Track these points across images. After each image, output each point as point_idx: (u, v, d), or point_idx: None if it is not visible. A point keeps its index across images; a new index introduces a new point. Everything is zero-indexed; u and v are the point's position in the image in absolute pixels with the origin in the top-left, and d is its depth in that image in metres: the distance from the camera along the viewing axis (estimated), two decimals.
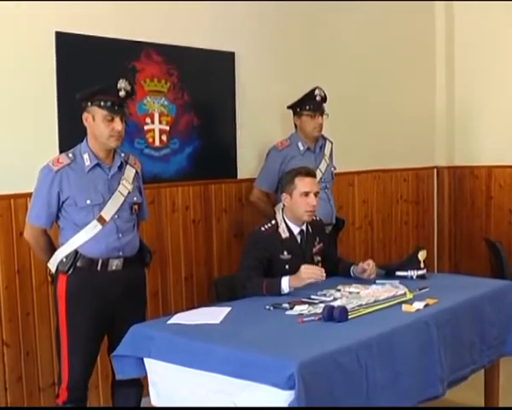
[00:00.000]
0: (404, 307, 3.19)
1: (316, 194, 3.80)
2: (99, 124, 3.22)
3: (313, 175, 3.87)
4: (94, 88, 3.23)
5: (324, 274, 3.49)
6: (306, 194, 3.75)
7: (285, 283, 3.50)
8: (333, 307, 2.99)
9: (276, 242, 3.73)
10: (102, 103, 3.20)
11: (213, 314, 3.13)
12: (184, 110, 4.51)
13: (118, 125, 3.22)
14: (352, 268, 3.89)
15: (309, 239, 3.88)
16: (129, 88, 3.25)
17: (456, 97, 6.64)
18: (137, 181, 3.46)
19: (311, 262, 3.77)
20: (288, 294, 3.46)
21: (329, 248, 4.12)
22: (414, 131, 6.39)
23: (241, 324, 3.00)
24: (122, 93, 3.22)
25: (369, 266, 3.79)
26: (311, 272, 3.49)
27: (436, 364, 3.08)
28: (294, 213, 3.79)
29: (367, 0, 5.79)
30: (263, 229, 3.76)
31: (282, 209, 3.86)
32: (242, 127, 4.84)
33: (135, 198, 3.41)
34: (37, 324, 3.83)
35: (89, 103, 3.24)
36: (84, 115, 3.27)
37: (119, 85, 3.22)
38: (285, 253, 3.74)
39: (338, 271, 3.96)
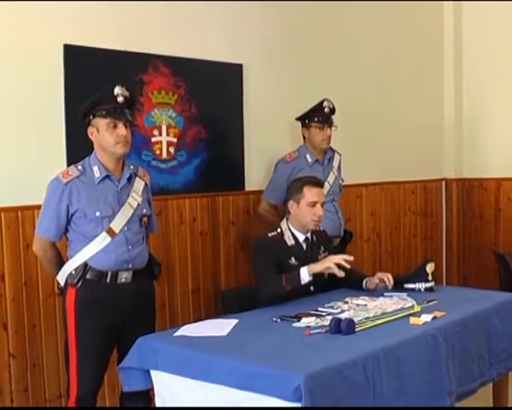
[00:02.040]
0: (412, 320, 3.19)
1: (322, 204, 3.82)
2: (103, 134, 3.24)
3: (321, 185, 3.90)
4: (91, 100, 3.26)
5: (349, 262, 3.58)
6: (314, 204, 3.78)
7: (304, 272, 3.57)
8: (340, 320, 2.99)
9: (283, 248, 3.77)
10: (104, 112, 3.22)
11: (220, 326, 3.13)
12: (192, 122, 4.53)
13: (122, 130, 3.23)
14: (364, 281, 3.88)
15: (314, 247, 3.91)
16: (127, 94, 3.27)
17: (464, 108, 6.64)
18: (147, 193, 3.48)
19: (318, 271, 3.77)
20: (295, 306, 3.46)
21: None
22: (422, 142, 6.39)
23: (247, 336, 3.01)
24: (120, 99, 3.24)
25: (385, 276, 3.81)
26: (338, 257, 3.57)
27: (444, 377, 3.08)
28: (300, 221, 3.81)
29: (374, 11, 5.82)
30: (270, 235, 3.80)
31: (287, 218, 3.89)
32: (250, 139, 4.85)
33: (144, 210, 3.42)
34: (44, 335, 3.84)
35: (91, 117, 3.27)
36: (89, 130, 3.30)
37: (115, 92, 3.24)
38: (293, 259, 3.77)
39: (349, 282, 3.92)
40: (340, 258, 3.59)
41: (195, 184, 4.56)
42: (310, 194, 3.78)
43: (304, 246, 3.85)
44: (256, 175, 4.89)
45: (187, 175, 4.52)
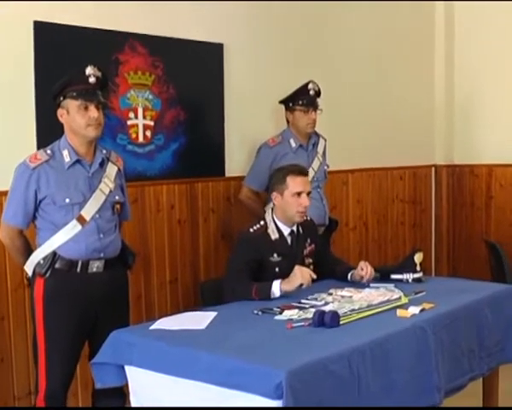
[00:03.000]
0: (399, 312, 3.17)
1: (308, 194, 3.79)
2: (74, 116, 3.21)
3: (305, 174, 3.86)
4: (62, 80, 3.22)
5: (310, 281, 3.50)
6: (298, 194, 3.74)
7: (276, 286, 3.50)
8: (324, 312, 2.98)
9: (265, 243, 3.73)
10: (74, 94, 3.19)
11: (198, 319, 3.11)
12: (170, 104, 4.49)
13: (93, 112, 3.20)
14: (350, 274, 3.87)
15: (300, 240, 3.87)
16: (99, 74, 3.24)
17: (455, 93, 6.65)
18: (120, 179, 3.44)
19: (302, 265, 3.74)
20: (278, 298, 3.45)
21: (323, 249, 4.11)
22: (411, 127, 6.39)
23: (227, 329, 2.99)
24: (92, 79, 3.21)
25: (363, 270, 3.78)
26: (306, 275, 3.50)
27: (432, 372, 3.06)
28: (285, 213, 3.78)
29: None
30: (251, 230, 3.76)
31: (272, 209, 3.85)
32: (231, 123, 4.82)
33: (117, 197, 3.39)
34: (13, 329, 3.80)
35: (61, 98, 3.23)
36: (59, 112, 3.26)
37: (87, 72, 3.21)
38: (275, 255, 3.74)
39: (335, 274, 3.95)
40: (306, 272, 3.53)
41: (173, 170, 4.53)
42: (294, 184, 3.75)
43: (288, 240, 3.82)
44: (237, 160, 4.87)
45: (164, 160, 4.49)
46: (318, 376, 2.54)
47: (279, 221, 3.80)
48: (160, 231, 4.47)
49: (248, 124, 4.93)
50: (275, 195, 3.81)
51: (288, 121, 4.70)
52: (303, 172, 3.84)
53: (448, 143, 6.71)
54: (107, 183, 3.33)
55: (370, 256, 5.90)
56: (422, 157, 6.59)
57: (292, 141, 4.63)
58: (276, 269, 3.71)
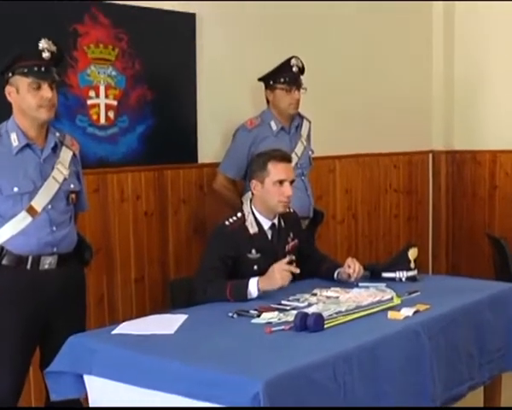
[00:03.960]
0: (391, 315, 3.20)
1: (291, 182, 3.80)
2: (25, 95, 3.19)
3: (289, 160, 3.88)
4: (11, 54, 3.20)
5: (290, 277, 3.53)
6: (281, 182, 3.75)
7: (253, 285, 3.51)
8: (307, 315, 2.99)
9: (242, 238, 3.74)
10: (25, 70, 3.17)
11: (167, 323, 3.12)
12: (135, 82, 4.48)
13: (46, 92, 3.19)
14: (336, 272, 3.90)
15: (281, 235, 3.88)
16: (54, 49, 3.23)
17: (455, 71, 6.67)
18: (75, 165, 3.44)
19: None
20: (256, 298, 3.47)
21: (307, 245, 4.13)
22: (406, 109, 6.41)
23: (198, 334, 3.00)
24: (46, 54, 3.20)
25: (350, 268, 3.80)
26: (285, 273, 3.51)
27: (427, 380, 3.10)
28: (266, 203, 3.79)
29: None
30: (227, 223, 3.76)
31: (251, 199, 3.86)
32: (205, 103, 4.81)
33: (72, 185, 3.39)
34: None
35: (10, 74, 3.21)
36: (7, 89, 3.25)
37: (40, 46, 3.19)
38: (253, 251, 3.75)
39: (320, 272, 3.98)
40: (286, 274, 3.54)
41: (140, 156, 4.52)
42: (276, 171, 3.76)
43: (269, 235, 3.83)
44: (211, 145, 4.86)
45: (129, 144, 4.48)
46: (300, 386, 2.55)
47: (258, 213, 3.81)
48: (125, 224, 4.46)
49: (224, 104, 4.92)
50: (254, 183, 3.81)
51: (268, 101, 4.69)
52: (286, 157, 3.85)
53: (447, 127, 6.74)
54: (61, 169, 3.32)
55: (360, 253, 5.92)
56: (419, 142, 6.62)
57: (272, 123, 4.64)
58: (255, 267, 3.72)
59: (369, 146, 6.07)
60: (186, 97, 4.75)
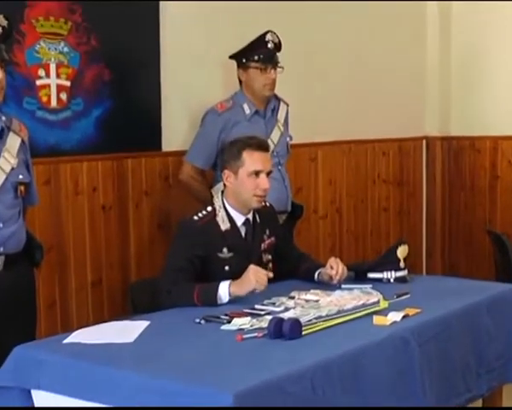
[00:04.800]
0: (377, 320, 3.21)
1: (268, 173, 3.80)
2: None
3: (266, 149, 3.88)
4: None
5: (267, 284, 3.53)
6: (257, 174, 3.75)
7: (224, 289, 3.52)
8: (282, 320, 2.99)
9: (212, 235, 3.74)
10: None
11: (126, 331, 3.12)
12: (91, 60, 4.47)
13: None
14: (317, 273, 3.92)
15: (256, 232, 3.90)
16: (5, 23, 3.23)
17: (452, 47, 6.72)
18: (24, 154, 3.44)
19: (259, 262, 3.79)
20: (226, 303, 3.48)
21: (284, 243, 4.15)
22: (398, 90, 6.44)
23: (161, 343, 3.00)
24: None
25: (333, 269, 3.82)
26: (262, 277, 3.52)
27: (418, 392, 3.11)
28: (239, 197, 3.79)
29: None
30: (195, 218, 3.76)
31: (222, 192, 3.87)
32: (170, 83, 4.81)
33: (20, 176, 3.39)
34: None
35: None
36: None
37: None
38: (225, 250, 3.76)
39: (299, 273, 4.00)
40: (262, 274, 3.55)
41: (96, 143, 4.52)
42: (251, 161, 3.75)
43: (242, 231, 3.84)
44: (177, 131, 4.88)
45: (85, 130, 4.48)
46: (274, 399, 2.56)
47: (231, 207, 3.81)
48: (80, 219, 4.46)
49: (191, 85, 4.91)
50: (227, 174, 3.81)
51: (240, 81, 4.70)
52: (263, 146, 3.85)
53: (443, 110, 6.78)
54: (8, 158, 3.32)
55: (345, 251, 5.95)
56: (411, 127, 6.66)
57: (245, 106, 4.65)
58: (226, 268, 3.74)
59: (356, 132, 6.10)
60: (149, 77, 4.75)
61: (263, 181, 3.76)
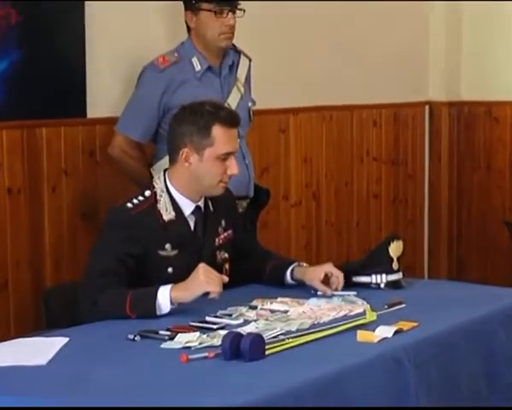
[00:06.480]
0: (362, 336, 3.22)
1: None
2: None
3: (238, 123, 3.87)
4: None
5: (221, 288, 3.53)
6: (226, 156, 3.76)
7: (164, 295, 3.52)
8: (240, 337, 3.00)
9: (151, 228, 3.75)
10: None
11: (39, 349, 3.12)
12: None
13: None
14: (289, 271, 3.94)
15: (209, 223, 3.92)
16: None
17: None
18: None
19: (213, 262, 3.81)
20: (168, 314, 3.49)
21: (245, 237, 4.20)
22: (394, 43, 6.50)
23: (83, 365, 3.00)
24: None
25: (333, 274, 3.85)
26: (214, 279, 3.53)
27: None
28: (199, 183, 3.80)
29: None
30: (130, 206, 3.76)
31: (165, 172, 3.87)
32: (97, 30, 4.82)
33: None
34: None
35: None
36: None
37: None
38: (167, 246, 3.77)
39: (263, 275, 4.02)
40: (216, 276, 3.57)
41: (0, 106, 4.52)
42: (224, 140, 3.74)
43: (191, 223, 3.86)
44: (106, 92, 4.90)
45: None
46: None
47: (177, 192, 3.82)
48: None
49: (125, 32, 4.93)
50: (186, 152, 3.76)
51: (189, 29, 4.72)
52: (235, 120, 3.85)
53: (451, 70, 6.82)
54: None
55: (324, 249, 6.00)
56: (410, 90, 6.72)
57: (195, 60, 4.67)
58: (169, 269, 3.76)
59: (338, 95, 6.13)
60: (69, 23, 4.75)
61: (233, 165, 3.77)
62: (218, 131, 3.73)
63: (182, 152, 3.78)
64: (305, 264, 4.01)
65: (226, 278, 3.62)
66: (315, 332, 3.24)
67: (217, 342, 3.08)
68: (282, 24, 5.69)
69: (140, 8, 4.98)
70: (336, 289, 3.82)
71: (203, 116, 3.77)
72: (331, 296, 3.74)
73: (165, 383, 2.84)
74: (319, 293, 3.79)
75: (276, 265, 4.02)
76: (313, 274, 3.88)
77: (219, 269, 3.77)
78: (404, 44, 6.58)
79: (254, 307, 3.57)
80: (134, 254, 3.69)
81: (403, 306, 3.63)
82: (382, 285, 3.93)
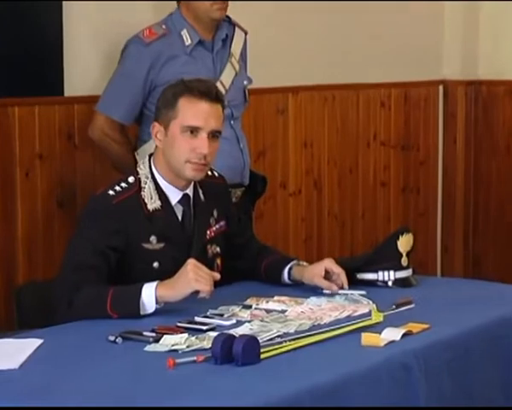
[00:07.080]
0: (367, 339, 3.23)
1: (214, 134, 3.80)
2: None
3: (215, 98, 3.84)
4: None
5: (212, 287, 3.53)
6: (193, 131, 3.75)
7: (149, 293, 3.52)
8: (233, 339, 3.01)
9: (135, 218, 3.77)
10: None
11: (10, 352, 3.13)
12: None
13: None
14: (286, 270, 3.95)
15: (199, 213, 3.94)
16: None
17: None
18: None
19: (203, 256, 3.83)
20: (153, 314, 3.49)
21: (239, 229, 4.20)
22: (404, 15, 6.51)
23: (58, 370, 3.00)
24: None
25: (334, 272, 3.86)
26: (204, 276, 3.52)
27: None
28: (169, 162, 3.80)
29: None
30: (111, 193, 3.77)
31: (151, 157, 3.88)
32: (76, 2, 4.82)
33: None
34: None
35: None
36: None
37: None
38: (152, 239, 3.78)
39: (259, 272, 4.05)
40: (206, 273, 3.57)
41: None
42: (189, 111, 3.75)
43: (178, 213, 3.87)
44: (86, 69, 4.91)
45: None
46: None
47: (162, 179, 3.83)
48: None
49: (107, 5, 4.93)
50: (157, 127, 3.81)
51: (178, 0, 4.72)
52: (210, 93, 3.82)
53: (467, 46, 6.82)
54: None
55: (326, 243, 6.03)
56: (422, 67, 6.72)
57: (185, 34, 4.67)
58: (155, 264, 3.78)
59: (343, 73, 6.15)
60: None
61: (201, 142, 3.74)
62: (184, 102, 3.76)
63: (153, 129, 3.83)
64: (305, 263, 4.02)
65: (218, 275, 3.61)
66: (315, 335, 3.24)
67: (206, 344, 3.09)
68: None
69: None
70: (342, 288, 3.83)
71: (172, 89, 3.83)
72: (333, 295, 3.75)
73: (149, 390, 2.84)
74: (325, 291, 3.80)
75: (272, 263, 4.04)
76: (312, 272, 3.89)
77: (210, 265, 3.79)
78: (415, 16, 6.58)
79: (248, 307, 3.59)
80: (115, 246, 3.70)
81: (412, 306, 3.65)
82: (390, 283, 3.95)
